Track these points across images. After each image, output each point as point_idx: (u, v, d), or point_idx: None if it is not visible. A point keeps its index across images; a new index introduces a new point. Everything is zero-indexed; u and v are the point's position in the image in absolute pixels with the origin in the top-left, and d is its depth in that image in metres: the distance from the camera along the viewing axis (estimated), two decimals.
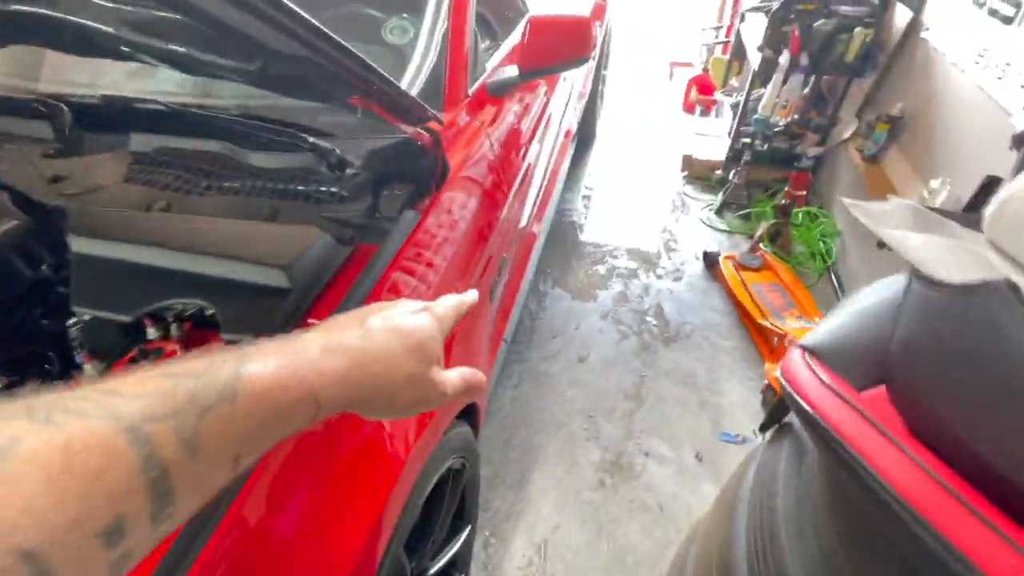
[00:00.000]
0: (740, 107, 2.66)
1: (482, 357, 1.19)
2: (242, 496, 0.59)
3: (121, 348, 0.79)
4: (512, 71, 1.28)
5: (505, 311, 1.56)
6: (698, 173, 2.91)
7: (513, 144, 1.39)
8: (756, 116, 2.57)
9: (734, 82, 3.35)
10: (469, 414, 1.16)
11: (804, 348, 0.67)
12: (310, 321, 0.81)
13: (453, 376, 0.41)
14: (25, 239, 0.91)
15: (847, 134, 2.41)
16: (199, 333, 0.80)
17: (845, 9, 2.19)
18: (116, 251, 0.85)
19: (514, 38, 1.55)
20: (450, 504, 1.06)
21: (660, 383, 1.84)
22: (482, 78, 1.28)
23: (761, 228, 2.36)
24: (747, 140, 2.67)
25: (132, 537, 0.21)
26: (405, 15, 1.28)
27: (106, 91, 1.10)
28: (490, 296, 1.18)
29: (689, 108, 3.64)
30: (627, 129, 3.49)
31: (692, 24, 5.24)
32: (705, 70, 3.57)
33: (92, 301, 0.80)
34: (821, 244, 2.34)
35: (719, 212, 2.67)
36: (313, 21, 0.60)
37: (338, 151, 1.03)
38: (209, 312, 0.79)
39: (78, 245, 0.86)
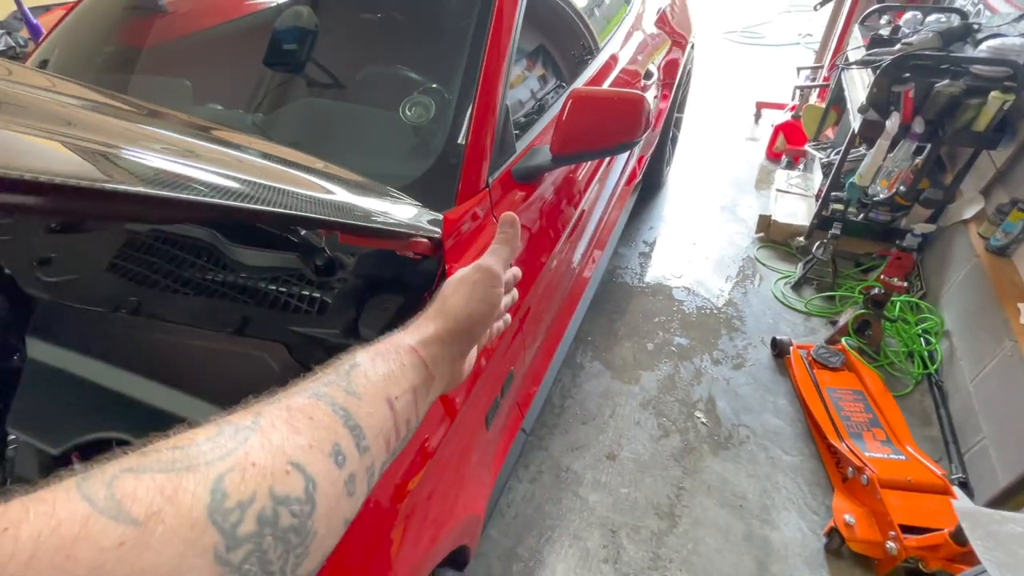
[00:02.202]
0: (834, 168, 2.31)
1: (473, 487, 1.02)
2: None
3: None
4: (545, 155, 1.12)
5: (523, 403, 1.39)
6: (776, 238, 2.57)
7: (542, 231, 1.22)
8: (851, 181, 2.22)
9: (829, 133, 2.96)
10: (457, 557, 1.00)
11: None
12: None
13: (486, 255, 0.51)
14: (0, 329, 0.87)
15: (968, 214, 2.01)
16: None
17: (979, 68, 1.82)
18: (66, 362, 0.78)
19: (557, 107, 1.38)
20: None
21: (700, 501, 1.57)
22: (510, 160, 1.13)
23: (846, 316, 2.02)
24: (838, 207, 2.32)
25: (350, 462, 0.31)
26: (435, 84, 1.16)
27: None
28: (487, 423, 1.01)
29: (774, 156, 3.28)
30: (699, 178, 3.20)
31: (787, 60, 4.83)
32: (796, 117, 3.20)
33: (26, 422, 0.73)
34: (922, 344, 1.96)
35: (797, 287, 2.33)
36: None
37: (328, 250, 0.92)
38: None
39: (33, 349, 0.80)
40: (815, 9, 3.16)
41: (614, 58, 1.83)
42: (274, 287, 0.89)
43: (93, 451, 0.71)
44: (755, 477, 1.63)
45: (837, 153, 2.53)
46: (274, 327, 0.83)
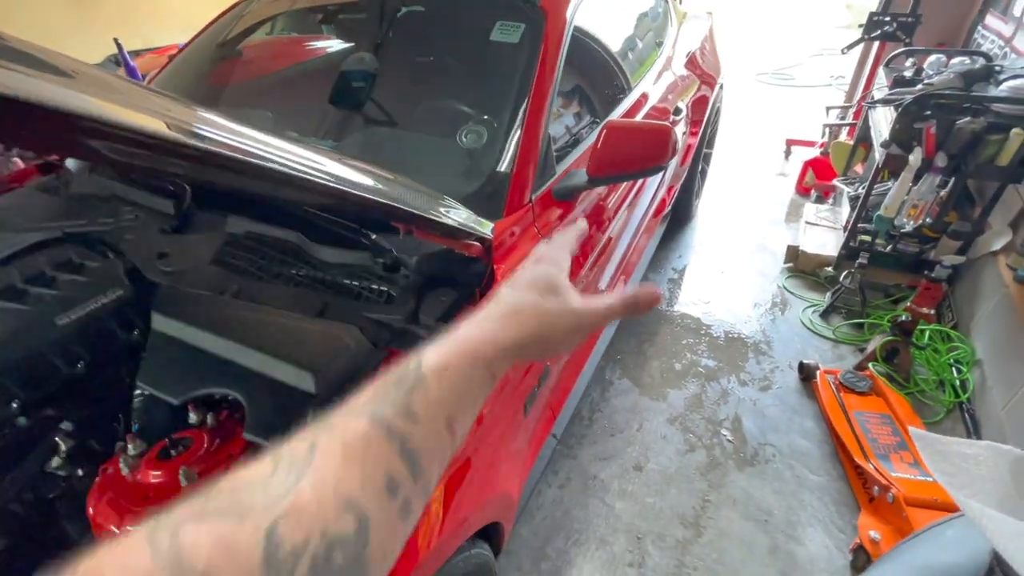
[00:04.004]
0: (860, 201, 2.39)
1: (510, 466, 1.13)
2: None
3: (163, 428, 0.86)
4: (581, 176, 1.26)
5: (555, 405, 1.49)
6: (805, 268, 2.63)
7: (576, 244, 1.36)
8: (878, 214, 2.28)
9: (858, 169, 3.03)
10: (490, 534, 1.10)
11: None
12: None
13: (603, 299, 0.44)
14: (125, 308, 1.05)
15: (997, 246, 2.04)
16: (229, 424, 0.84)
17: (1000, 107, 1.90)
18: (182, 332, 0.94)
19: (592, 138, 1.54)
20: None
21: (725, 513, 1.61)
22: (551, 180, 1.28)
23: (874, 343, 2.05)
24: (866, 238, 2.38)
25: (404, 489, 0.30)
26: (486, 116, 1.33)
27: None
28: (524, 408, 1.12)
29: (803, 191, 3.35)
30: (729, 210, 3.29)
31: (818, 101, 4.93)
32: (825, 154, 3.29)
33: (151, 378, 0.89)
34: (954, 373, 1.97)
35: (825, 316, 2.37)
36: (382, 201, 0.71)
37: (394, 251, 1.07)
38: (240, 410, 0.84)
39: (156, 322, 0.97)
40: (843, 52, 3.28)
41: (644, 96, 1.99)
42: (349, 281, 1.05)
43: (204, 403, 0.86)
44: (781, 494, 1.67)
45: (864, 187, 2.61)
46: (349, 313, 0.98)
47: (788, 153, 3.91)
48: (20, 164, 1.78)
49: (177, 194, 1.23)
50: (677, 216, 3.02)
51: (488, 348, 0.38)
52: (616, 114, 1.73)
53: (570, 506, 1.65)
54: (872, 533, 1.43)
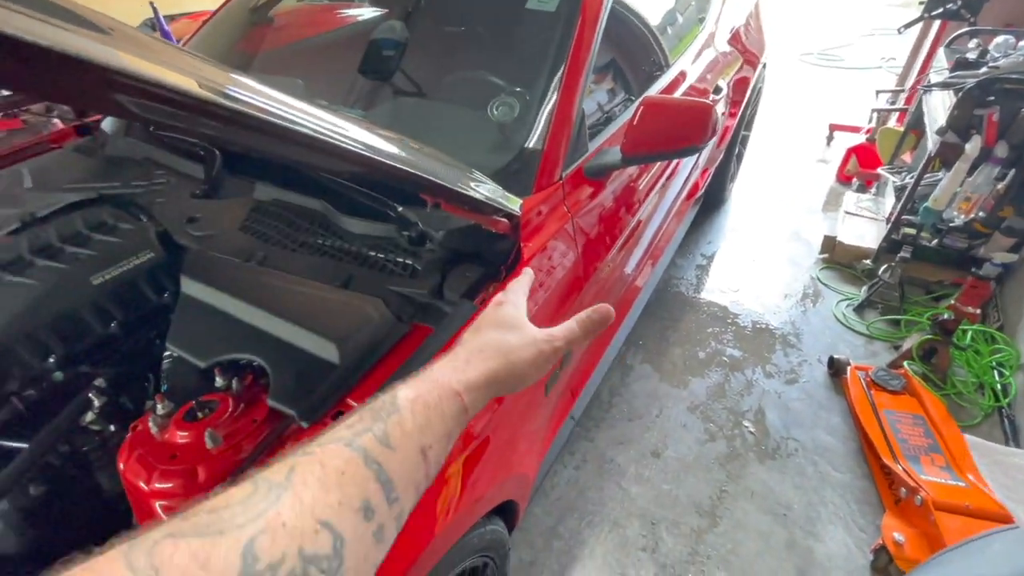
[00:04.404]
0: (907, 191, 2.26)
1: (527, 446, 1.12)
2: None
3: (192, 390, 0.87)
4: (615, 154, 1.22)
5: (575, 388, 1.48)
6: (841, 259, 2.53)
7: (605, 225, 1.32)
8: (926, 206, 2.17)
9: (906, 158, 2.88)
10: (506, 511, 1.10)
11: None
12: (349, 403, 0.82)
13: (563, 326, 0.49)
14: (155, 270, 1.07)
15: None
16: (254, 390, 0.85)
17: None
18: (210, 297, 0.95)
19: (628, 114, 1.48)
20: None
21: (743, 505, 1.59)
22: (583, 158, 1.24)
23: (911, 341, 1.97)
24: (910, 231, 2.26)
25: (379, 514, 0.31)
26: (519, 88, 1.29)
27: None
28: (545, 388, 1.11)
29: (845, 179, 3.21)
30: (764, 196, 3.18)
31: (866, 84, 4.68)
32: (871, 140, 3.12)
33: (180, 341, 0.90)
34: (995, 376, 1.88)
35: (859, 310, 2.28)
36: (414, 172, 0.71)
37: (420, 224, 1.06)
38: (264, 376, 0.84)
39: (185, 286, 0.98)
40: (899, 32, 3.08)
41: (683, 73, 1.90)
42: (374, 253, 1.04)
43: (230, 368, 0.87)
44: (802, 489, 1.63)
45: (912, 176, 2.47)
46: (373, 285, 0.97)
47: (830, 139, 3.74)
48: (59, 125, 1.81)
49: (207, 159, 1.24)
50: (710, 200, 2.93)
51: (458, 383, 0.41)
52: (653, 91, 1.66)
53: (585, 487, 1.65)
54: (896, 535, 1.39)
